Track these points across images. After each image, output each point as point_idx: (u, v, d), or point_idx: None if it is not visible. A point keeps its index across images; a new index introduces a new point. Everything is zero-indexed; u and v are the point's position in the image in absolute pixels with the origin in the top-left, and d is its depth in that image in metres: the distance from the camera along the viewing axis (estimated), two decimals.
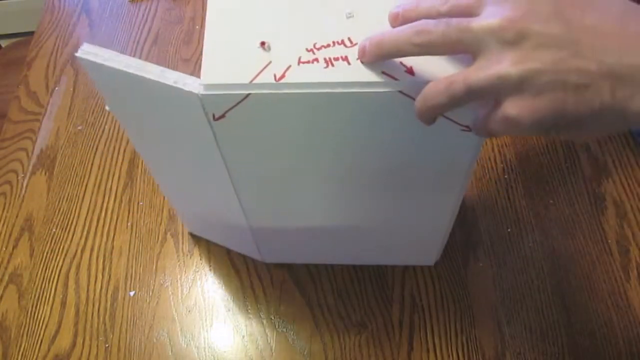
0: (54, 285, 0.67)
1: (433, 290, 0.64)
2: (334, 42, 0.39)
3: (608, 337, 0.61)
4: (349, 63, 0.38)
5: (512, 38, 0.32)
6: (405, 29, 0.35)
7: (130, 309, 0.65)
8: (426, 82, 0.36)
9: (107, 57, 0.41)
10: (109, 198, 0.73)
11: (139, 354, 0.62)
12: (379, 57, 0.37)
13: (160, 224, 0.71)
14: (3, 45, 1.33)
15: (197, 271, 0.67)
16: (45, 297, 0.66)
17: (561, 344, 0.61)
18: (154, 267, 0.68)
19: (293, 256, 0.66)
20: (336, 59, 0.38)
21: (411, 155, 0.45)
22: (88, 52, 0.41)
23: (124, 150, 0.77)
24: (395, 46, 0.35)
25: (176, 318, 0.64)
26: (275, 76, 0.38)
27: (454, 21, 0.33)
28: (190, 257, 0.68)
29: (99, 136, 0.79)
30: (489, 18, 0.32)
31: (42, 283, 0.67)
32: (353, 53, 0.38)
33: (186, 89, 0.38)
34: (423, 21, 0.35)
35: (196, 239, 0.69)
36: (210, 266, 0.67)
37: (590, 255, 0.66)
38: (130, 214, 0.72)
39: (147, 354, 0.62)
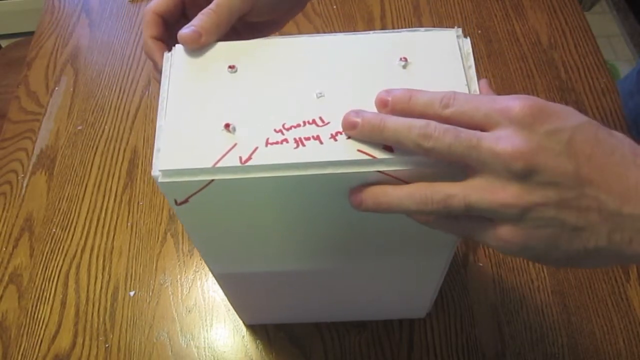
0: (54, 285, 0.67)
1: None
2: (304, 122, 0.36)
3: (608, 337, 0.61)
4: (321, 142, 0.35)
5: (520, 171, 0.31)
6: (412, 126, 0.33)
7: (130, 309, 0.65)
8: (406, 159, 0.34)
9: None
10: (109, 198, 0.73)
11: (139, 354, 0.62)
12: (372, 139, 0.35)
13: (160, 224, 0.71)
14: (3, 45, 1.33)
15: (197, 271, 0.67)
16: (45, 297, 0.66)
17: (561, 344, 0.61)
18: (154, 267, 0.68)
19: (273, 317, 0.63)
20: (307, 139, 0.35)
21: (395, 229, 0.42)
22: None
23: (124, 150, 0.77)
24: (396, 138, 0.33)
25: (176, 318, 0.64)
26: (241, 159, 0.35)
27: (464, 136, 0.32)
28: (190, 257, 0.68)
29: (99, 136, 0.79)
30: (500, 144, 0.31)
31: (42, 283, 0.67)
32: (325, 132, 0.36)
33: (153, 170, 0.36)
34: (431, 125, 0.33)
35: None
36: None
37: None
38: (130, 214, 0.72)
39: (147, 354, 0.62)
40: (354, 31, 0.89)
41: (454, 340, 0.61)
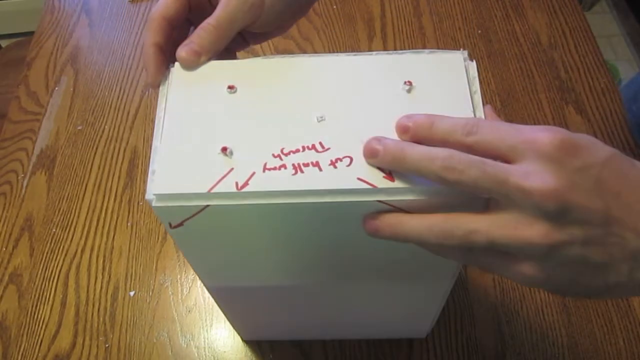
0: (54, 285, 0.67)
1: None
2: (303, 147, 0.35)
3: (608, 337, 0.61)
4: (320, 169, 0.34)
5: (553, 210, 0.30)
6: (434, 157, 0.31)
7: (130, 309, 0.65)
8: (407, 189, 0.33)
9: None
10: (109, 198, 0.73)
11: (139, 354, 0.62)
12: (393, 168, 0.34)
13: (160, 224, 0.71)
14: (3, 45, 1.33)
15: None
16: (45, 297, 0.66)
17: (561, 344, 0.61)
18: (154, 267, 0.68)
19: (269, 334, 0.62)
20: (306, 165, 0.34)
21: (396, 257, 0.41)
22: None
23: (124, 150, 0.77)
24: (417, 168, 0.32)
25: (176, 318, 0.64)
26: (237, 184, 0.34)
27: (490, 169, 0.30)
28: None
29: (99, 136, 0.79)
30: (529, 181, 0.30)
31: (42, 283, 0.67)
32: (325, 159, 0.34)
33: (147, 193, 0.35)
34: (454, 156, 0.31)
35: None
36: None
37: None
38: (130, 214, 0.72)
39: (147, 354, 0.62)
40: (354, 32, 0.89)
41: (454, 340, 0.61)
